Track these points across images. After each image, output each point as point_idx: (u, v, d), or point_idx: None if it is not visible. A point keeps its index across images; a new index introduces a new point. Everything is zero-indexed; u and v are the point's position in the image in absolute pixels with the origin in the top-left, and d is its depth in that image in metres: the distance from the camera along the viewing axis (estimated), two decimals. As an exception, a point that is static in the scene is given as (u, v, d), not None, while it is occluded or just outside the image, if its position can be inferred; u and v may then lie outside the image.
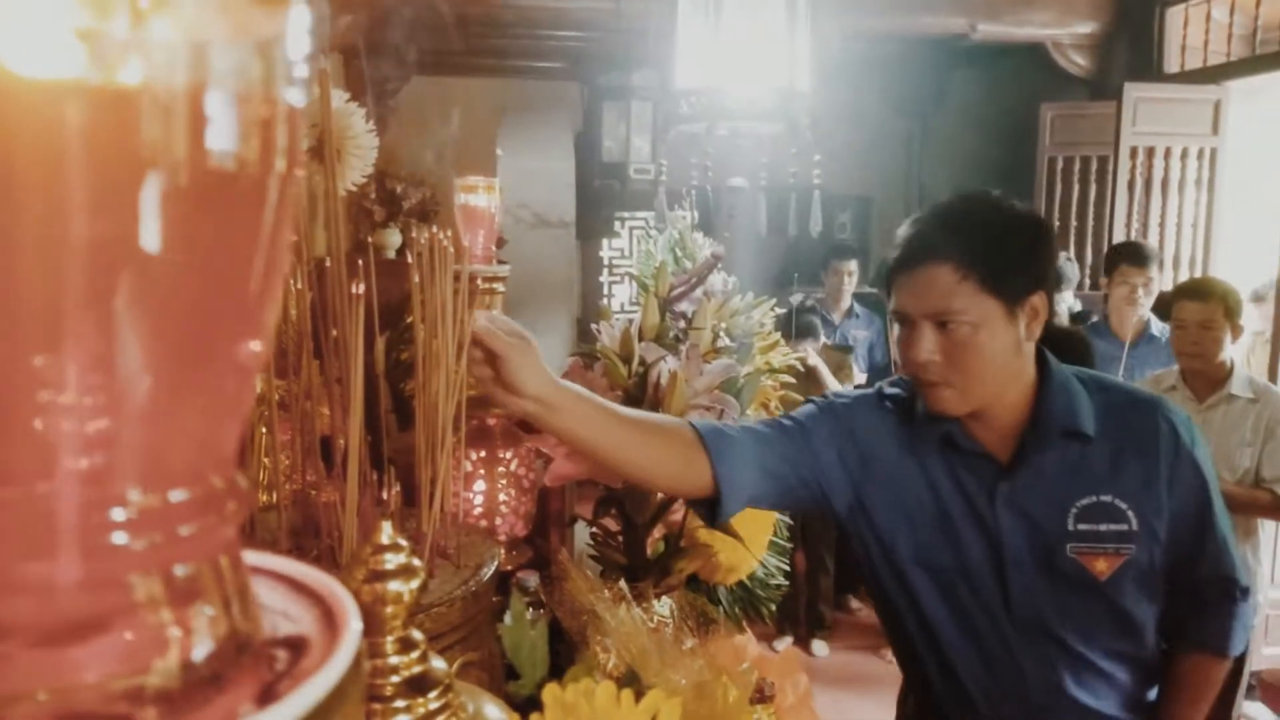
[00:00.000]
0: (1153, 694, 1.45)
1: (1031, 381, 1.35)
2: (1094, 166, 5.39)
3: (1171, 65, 5.12)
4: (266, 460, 1.55)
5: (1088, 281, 5.49)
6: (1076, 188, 5.50)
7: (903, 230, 1.35)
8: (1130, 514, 1.31)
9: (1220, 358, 2.92)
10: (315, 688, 0.25)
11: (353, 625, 0.29)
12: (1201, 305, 2.88)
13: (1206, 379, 2.95)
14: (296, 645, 0.28)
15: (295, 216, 0.27)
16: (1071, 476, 1.32)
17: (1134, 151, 4.84)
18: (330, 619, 0.30)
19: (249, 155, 0.24)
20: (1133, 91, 4.80)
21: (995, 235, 1.28)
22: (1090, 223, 5.45)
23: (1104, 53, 5.39)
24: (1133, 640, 1.39)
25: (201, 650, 0.25)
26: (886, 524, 1.40)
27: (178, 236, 0.23)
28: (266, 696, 0.26)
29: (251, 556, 0.31)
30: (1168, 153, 4.88)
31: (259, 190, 0.24)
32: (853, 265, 4.85)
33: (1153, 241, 4.89)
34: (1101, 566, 1.32)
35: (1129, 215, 4.91)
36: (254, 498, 1.33)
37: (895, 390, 1.47)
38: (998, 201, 1.33)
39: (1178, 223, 4.95)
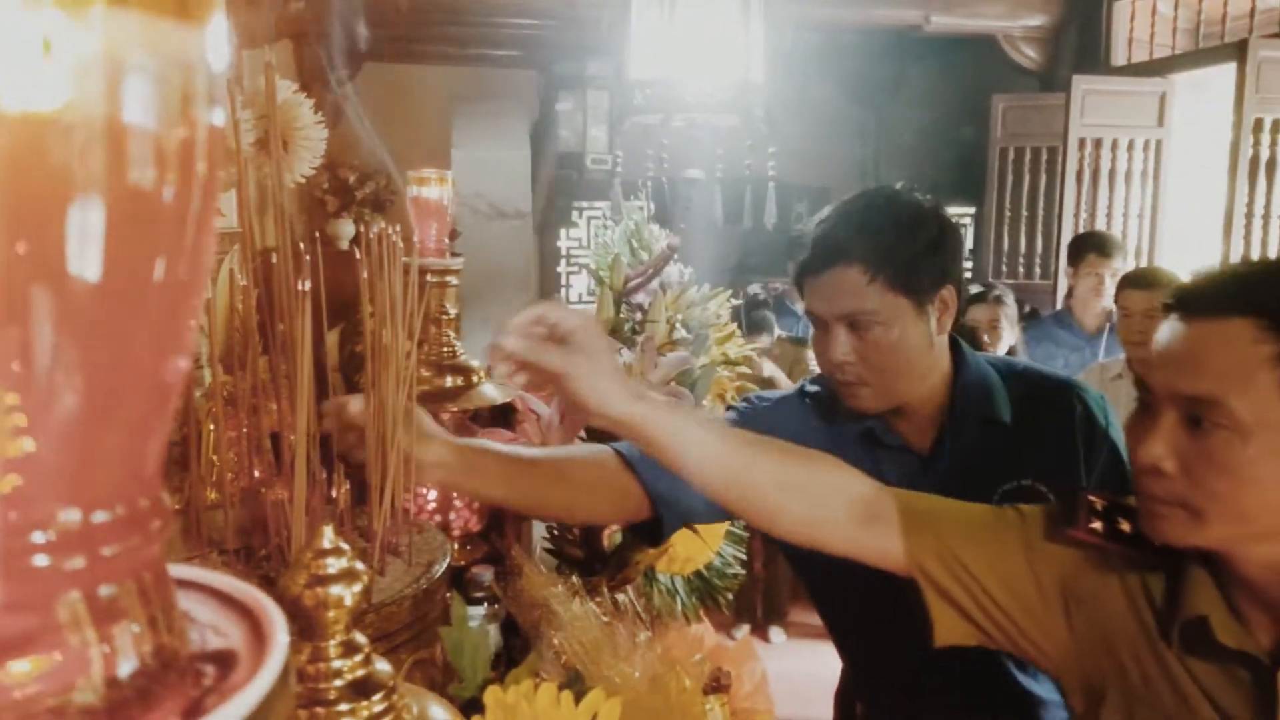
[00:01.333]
0: None
1: (947, 373, 1.36)
2: (1044, 157, 5.48)
3: (1119, 58, 5.21)
4: (214, 457, 1.53)
5: (1037, 271, 5.59)
6: (1027, 178, 5.59)
7: (810, 231, 1.35)
8: (1050, 496, 1.29)
9: None
10: (242, 703, 0.26)
11: (280, 639, 0.29)
12: (1147, 294, 2.94)
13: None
14: (225, 660, 0.29)
15: (214, 234, 0.27)
16: (990, 462, 1.32)
17: (1082, 143, 4.93)
18: (259, 632, 0.30)
19: (167, 176, 0.24)
20: (1081, 84, 4.88)
21: (901, 233, 1.28)
22: (1040, 213, 5.54)
23: (1053, 45, 5.48)
24: None
25: (127, 667, 0.26)
26: None
27: (96, 258, 0.23)
28: (193, 712, 0.26)
29: (180, 570, 0.31)
30: (1115, 144, 4.97)
31: (179, 210, 0.24)
32: None
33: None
34: None
35: (1077, 206, 5.00)
36: (203, 495, 1.31)
37: (816, 388, 1.46)
38: (901, 198, 1.33)
39: (1124, 213, 5.05)
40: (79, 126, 0.22)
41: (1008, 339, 3.45)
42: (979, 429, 1.34)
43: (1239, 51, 4.02)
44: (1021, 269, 5.64)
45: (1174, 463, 0.86)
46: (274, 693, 0.27)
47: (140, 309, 0.25)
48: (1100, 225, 4.99)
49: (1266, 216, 4.05)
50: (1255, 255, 4.03)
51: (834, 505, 1.04)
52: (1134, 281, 3.04)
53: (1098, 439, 1.35)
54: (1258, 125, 3.99)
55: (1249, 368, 0.80)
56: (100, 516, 0.25)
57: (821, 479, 1.06)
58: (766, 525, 1.11)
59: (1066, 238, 5.04)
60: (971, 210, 6.54)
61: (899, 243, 1.27)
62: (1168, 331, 0.88)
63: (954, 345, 1.39)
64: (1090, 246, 3.68)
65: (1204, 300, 0.85)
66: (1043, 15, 5.43)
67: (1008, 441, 1.34)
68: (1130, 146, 4.98)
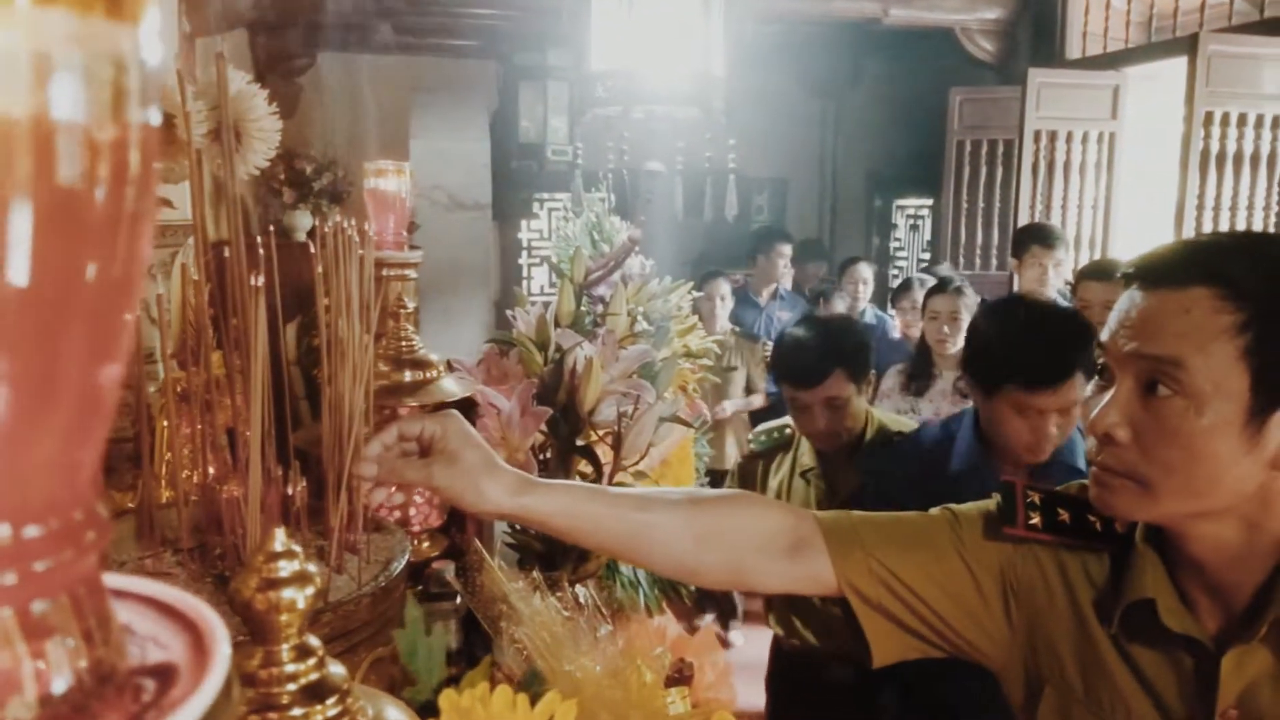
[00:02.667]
0: None
1: None
2: (1000, 150, 5.54)
3: (1073, 51, 5.28)
4: (168, 454, 1.50)
5: (994, 262, 5.66)
6: (984, 170, 5.65)
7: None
8: None
9: None
10: (183, 718, 0.25)
11: (222, 651, 0.28)
12: (1104, 285, 2.98)
13: None
14: (165, 674, 0.28)
15: (150, 236, 0.26)
16: None
17: (1037, 135, 4.99)
18: (201, 644, 0.29)
19: (98, 177, 0.23)
20: (1036, 77, 4.94)
21: None
22: (997, 204, 5.61)
23: (1010, 39, 5.54)
24: None
25: (61, 684, 0.25)
26: None
27: (24, 263, 0.22)
28: (132, 728, 0.25)
29: (120, 580, 0.31)
30: (1069, 136, 5.04)
31: (111, 212, 0.24)
32: (789, 249, 5.12)
33: (1055, 222, 5.06)
34: None
35: (1033, 197, 5.06)
36: (156, 493, 1.29)
37: None
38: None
39: (1079, 205, 5.13)
40: (3, 126, 0.21)
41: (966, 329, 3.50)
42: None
43: (1190, 45, 4.08)
44: (979, 260, 5.71)
45: (1127, 431, 0.85)
46: (216, 706, 0.26)
47: (71, 315, 0.24)
48: (1055, 217, 5.07)
49: (1217, 208, 4.13)
50: (1205, 246, 4.11)
51: (755, 543, 1.00)
52: (1092, 273, 3.09)
53: None
54: (1208, 118, 4.06)
55: (1207, 334, 0.80)
56: (32, 531, 0.24)
57: (736, 519, 1.02)
58: (690, 579, 1.08)
59: (1022, 229, 5.11)
60: (929, 202, 6.61)
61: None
62: (1127, 301, 0.87)
63: None
64: (1033, 238, 3.75)
65: (1164, 270, 0.85)
66: (999, 8, 5.49)
67: None
68: (1084, 139, 5.05)
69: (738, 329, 4.56)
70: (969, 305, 3.39)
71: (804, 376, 2.11)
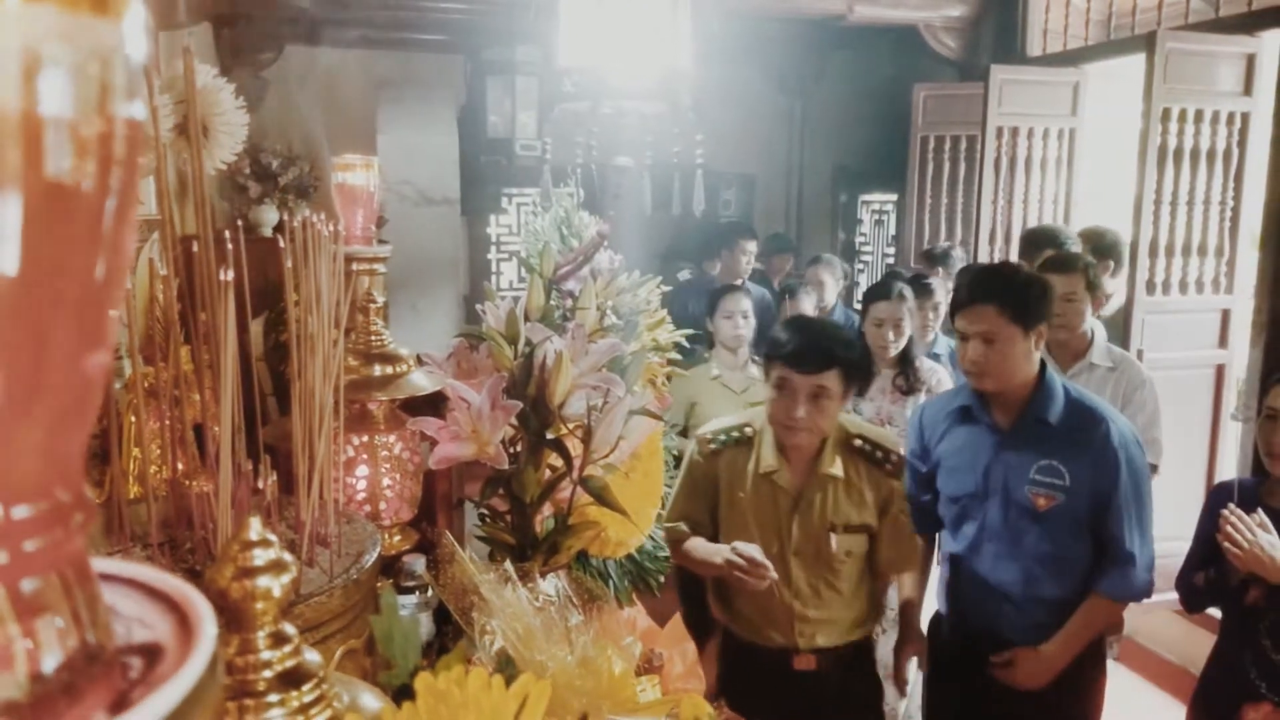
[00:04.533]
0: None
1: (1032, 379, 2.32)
2: (963, 146, 5.61)
3: (1034, 49, 5.36)
4: (136, 450, 1.49)
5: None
6: (947, 166, 5.71)
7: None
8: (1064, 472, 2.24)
9: (1082, 328, 3.09)
10: (170, 693, 0.26)
11: (208, 630, 0.29)
12: (1064, 278, 3.04)
13: (1069, 349, 3.13)
14: (151, 652, 0.29)
15: (134, 226, 0.27)
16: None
17: (1000, 131, 5.05)
18: (186, 625, 0.30)
19: (85, 169, 0.24)
20: (998, 74, 5.00)
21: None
22: (960, 199, 5.68)
23: (972, 36, 5.60)
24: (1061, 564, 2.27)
25: (51, 662, 0.25)
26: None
27: (14, 252, 0.23)
28: (120, 704, 0.26)
29: (107, 564, 0.31)
30: (1030, 133, 5.11)
31: (97, 205, 0.24)
32: (754, 245, 5.29)
33: (1016, 217, 5.14)
34: (1042, 504, 2.24)
35: (995, 193, 5.13)
36: (125, 488, 1.28)
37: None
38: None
39: (1040, 199, 5.20)
40: (-7, 120, 0.22)
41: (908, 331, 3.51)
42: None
43: (1148, 42, 4.16)
44: (943, 254, 5.77)
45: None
46: (203, 683, 0.27)
47: (59, 303, 0.25)
48: (1016, 211, 5.14)
49: (1174, 203, 4.21)
50: (1164, 240, 4.20)
51: None
52: (1051, 266, 3.14)
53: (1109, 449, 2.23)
54: (1165, 114, 4.14)
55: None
56: (21, 511, 0.25)
57: None
58: None
59: (985, 224, 5.17)
60: (894, 197, 6.67)
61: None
62: None
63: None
64: (1048, 243, 3.73)
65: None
66: (962, 6, 5.55)
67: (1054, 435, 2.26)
68: (1045, 135, 5.13)
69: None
70: (911, 310, 3.44)
71: (805, 360, 2.14)
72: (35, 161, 0.23)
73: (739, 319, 3.56)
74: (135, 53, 0.25)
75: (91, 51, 0.24)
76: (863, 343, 2.71)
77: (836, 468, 2.20)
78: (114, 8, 0.24)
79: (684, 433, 3.26)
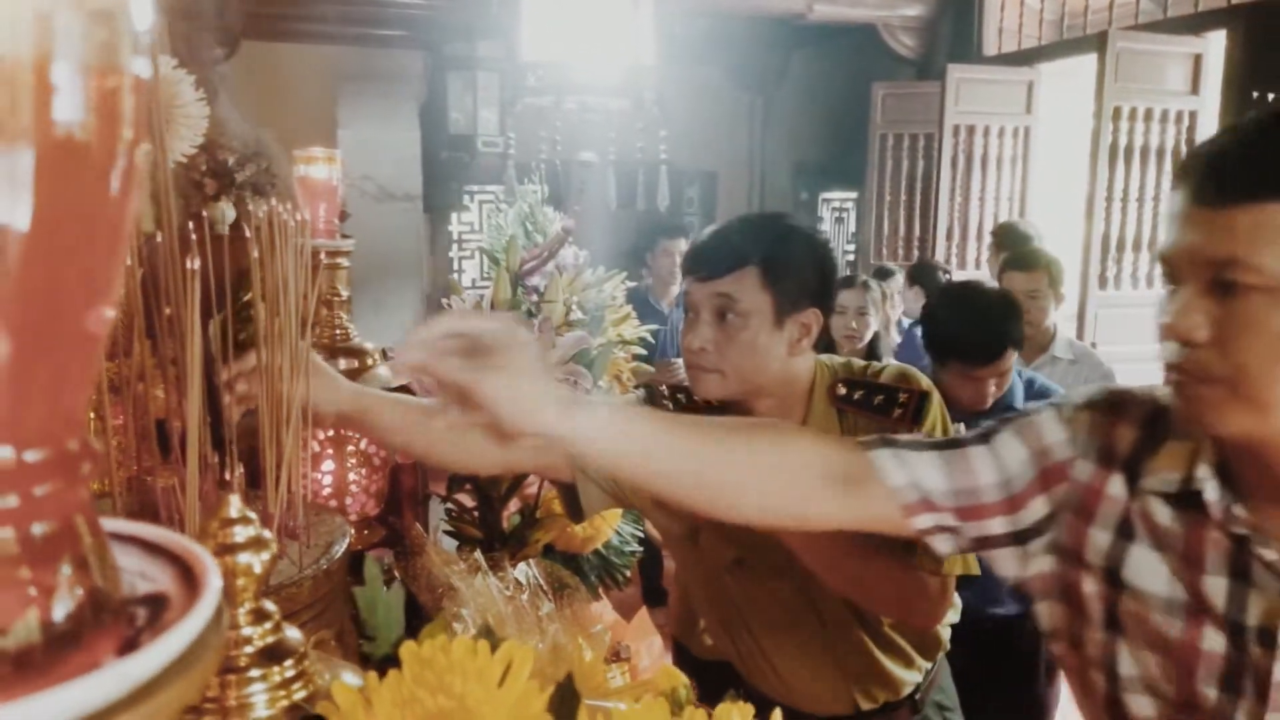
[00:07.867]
0: None
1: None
2: (921, 143, 5.69)
3: (990, 48, 5.45)
4: (98, 444, 1.47)
5: (915, 253, 5.80)
6: (905, 163, 5.79)
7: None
8: None
9: (1045, 324, 3.15)
10: (178, 637, 0.26)
11: (213, 582, 0.30)
12: (1027, 275, 3.10)
13: (1033, 344, 3.19)
14: (156, 602, 0.29)
15: (141, 183, 0.27)
16: None
17: (956, 129, 5.13)
18: (189, 578, 0.30)
19: (96, 124, 0.24)
20: (955, 73, 5.08)
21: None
22: (918, 197, 5.76)
23: (930, 35, 5.68)
24: None
25: (61, 609, 0.26)
26: None
27: (26, 205, 0.24)
28: (128, 650, 0.26)
29: (109, 523, 0.32)
30: (986, 131, 5.20)
31: (106, 159, 0.25)
32: (683, 244, 4.22)
33: (973, 214, 5.22)
34: None
35: (952, 190, 5.21)
36: (105, 464, 1.26)
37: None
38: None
39: (995, 196, 5.29)
40: (8, 73, 0.23)
41: (874, 324, 3.57)
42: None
43: (1099, 42, 4.25)
44: (901, 251, 5.85)
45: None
46: (209, 629, 0.28)
47: (69, 257, 0.25)
48: (973, 208, 5.23)
49: (1125, 199, 4.30)
50: (1115, 236, 4.29)
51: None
52: (1014, 264, 3.20)
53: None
54: (1116, 113, 4.23)
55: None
56: (32, 456, 0.25)
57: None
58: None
59: (943, 221, 5.25)
60: (854, 195, 6.74)
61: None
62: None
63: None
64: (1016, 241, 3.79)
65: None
66: (920, 5, 5.63)
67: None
68: (1001, 133, 5.22)
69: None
70: (875, 300, 3.49)
71: (703, 258, 1.40)
72: (46, 114, 0.24)
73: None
74: (140, 10, 0.26)
75: (101, 5, 0.24)
76: (824, 241, 1.63)
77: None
78: (121, -33, 0.25)
79: None
